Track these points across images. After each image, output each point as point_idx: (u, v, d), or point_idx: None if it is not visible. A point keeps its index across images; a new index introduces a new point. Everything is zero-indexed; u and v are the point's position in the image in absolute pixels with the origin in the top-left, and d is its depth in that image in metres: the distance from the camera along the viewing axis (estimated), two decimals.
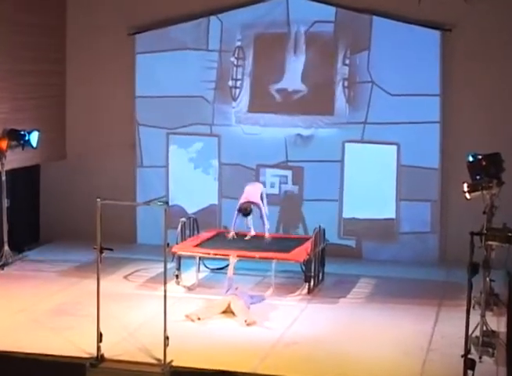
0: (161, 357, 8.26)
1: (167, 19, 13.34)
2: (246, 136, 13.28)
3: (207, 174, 13.52)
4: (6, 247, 12.15)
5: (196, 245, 11.50)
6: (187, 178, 13.55)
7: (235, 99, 13.33)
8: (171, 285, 10.78)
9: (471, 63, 12.41)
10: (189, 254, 11.30)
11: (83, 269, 11.79)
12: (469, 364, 7.72)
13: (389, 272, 12.10)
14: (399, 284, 11.52)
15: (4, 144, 12.05)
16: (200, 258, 11.48)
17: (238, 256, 10.82)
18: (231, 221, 11.82)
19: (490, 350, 8.69)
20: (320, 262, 11.52)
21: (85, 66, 13.72)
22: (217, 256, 11.21)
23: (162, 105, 13.45)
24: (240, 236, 11.70)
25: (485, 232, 9.00)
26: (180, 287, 11.16)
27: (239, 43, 13.25)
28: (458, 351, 8.02)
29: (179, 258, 11.32)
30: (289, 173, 13.23)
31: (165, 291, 8.33)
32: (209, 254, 11.22)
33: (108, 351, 8.48)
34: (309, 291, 10.97)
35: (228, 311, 9.92)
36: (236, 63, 13.29)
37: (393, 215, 12.94)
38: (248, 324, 9.54)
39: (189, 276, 11.49)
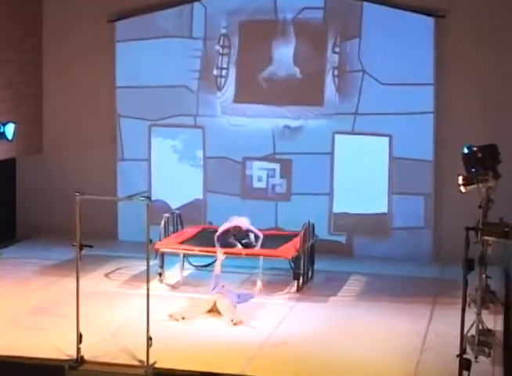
0: (144, 358, 8.24)
1: (148, 5, 13.28)
2: (232, 128, 13.26)
3: (192, 167, 13.50)
4: None
5: (181, 242, 11.48)
6: (170, 172, 13.52)
7: (220, 89, 13.30)
8: (154, 283, 10.76)
9: (465, 50, 12.42)
10: (172, 250, 11.29)
11: (62, 267, 11.74)
12: (464, 364, 7.74)
13: (381, 270, 12.11)
14: (391, 282, 11.53)
15: None
16: (184, 255, 11.47)
17: (225, 253, 10.81)
18: (217, 216, 11.79)
19: (486, 350, 8.70)
20: (309, 259, 11.52)
21: (63, 56, 13.63)
22: (202, 253, 11.20)
23: (144, 95, 13.41)
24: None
25: (481, 227, 9.03)
26: (163, 286, 11.14)
27: (224, 31, 13.21)
28: (453, 350, 8.03)
29: (162, 255, 11.29)
30: (277, 166, 13.23)
31: (148, 290, 8.31)
32: (194, 250, 11.21)
33: (88, 352, 8.45)
34: (298, 289, 10.97)
35: (213, 310, 9.91)
36: (221, 51, 13.26)
37: (385, 210, 12.95)
38: (235, 324, 9.54)
39: (173, 273, 11.47)
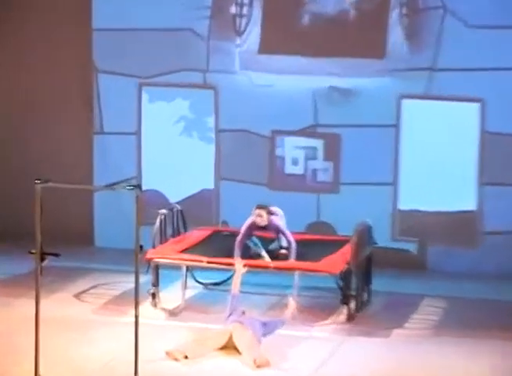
0: None
1: None
2: (257, 89, 13.31)
3: (199, 145, 13.56)
4: None
5: (183, 250, 11.52)
6: (169, 152, 13.59)
7: (240, 34, 13.33)
8: (145, 308, 10.79)
9: None
10: (171, 262, 11.31)
11: (16, 283, 11.80)
12: None
13: (465, 291, 12.14)
14: (479, 308, 11.54)
15: None
16: (187, 268, 11.50)
17: (245, 265, 10.82)
18: (234, 213, 11.83)
19: None
20: (365, 276, 11.53)
21: None
22: (213, 265, 11.22)
23: (132, 42, 13.47)
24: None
25: None
26: (158, 311, 11.17)
27: None
28: None
29: (157, 267, 11.31)
30: (319, 144, 13.26)
31: (136, 317, 8.31)
32: (201, 262, 11.23)
33: None
34: (349, 318, 10.98)
35: (229, 346, 9.91)
36: None
37: (472, 207, 12.99)
38: (258, 366, 9.52)
39: (172, 294, 11.51)
